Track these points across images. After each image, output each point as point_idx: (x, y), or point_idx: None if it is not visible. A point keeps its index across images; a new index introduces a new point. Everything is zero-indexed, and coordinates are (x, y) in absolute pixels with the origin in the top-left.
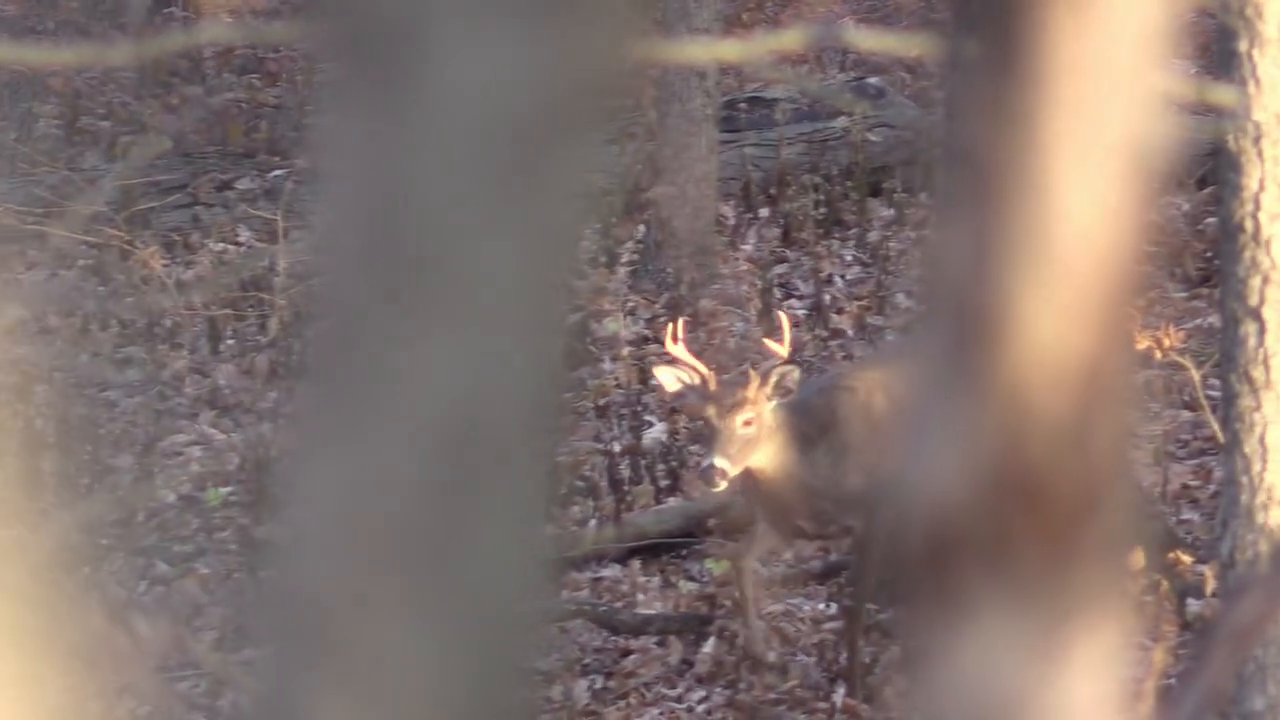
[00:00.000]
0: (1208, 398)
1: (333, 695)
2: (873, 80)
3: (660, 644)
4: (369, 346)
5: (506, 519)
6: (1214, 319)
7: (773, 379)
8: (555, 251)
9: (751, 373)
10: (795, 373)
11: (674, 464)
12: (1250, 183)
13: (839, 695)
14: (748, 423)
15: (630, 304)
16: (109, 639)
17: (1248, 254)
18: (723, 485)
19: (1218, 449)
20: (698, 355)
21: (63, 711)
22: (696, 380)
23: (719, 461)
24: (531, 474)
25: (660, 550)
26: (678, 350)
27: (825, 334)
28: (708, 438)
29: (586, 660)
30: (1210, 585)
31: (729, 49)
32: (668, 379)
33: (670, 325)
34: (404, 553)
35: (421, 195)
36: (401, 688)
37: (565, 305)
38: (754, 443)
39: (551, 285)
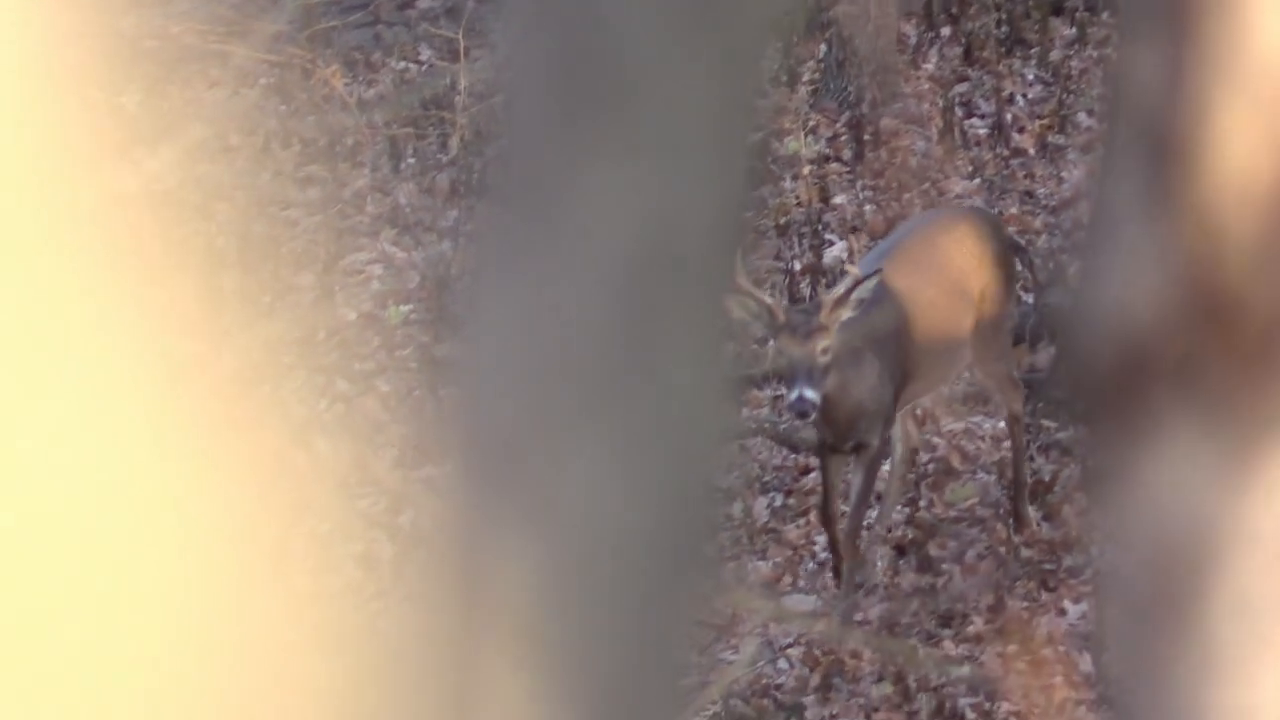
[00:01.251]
0: None
1: (514, 520)
2: None
3: None
4: (552, 169)
5: (689, 342)
6: None
7: (849, 300)
8: (740, 73)
9: (825, 297)
10: (870, 285)
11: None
12: None
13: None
14: (825, 350)
15: (811, 123)
16: (290, 457)
17: None
18: (813, 416)
19: None
20: (879, 174)
21: (244, 528)
22: (764, 312)
23: (808, 393)
24: (714, 296)
25: None
26: (744, 283)
27: (1007, 153)
28: (788, 369)
29: (766, 478)
30: None
31: None
32: (735, 309)
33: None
34: (586, 378)
35: (608, 16)
36: (584, 513)
37: (748, 126)
38: (830, 367)
39: (736, 107)
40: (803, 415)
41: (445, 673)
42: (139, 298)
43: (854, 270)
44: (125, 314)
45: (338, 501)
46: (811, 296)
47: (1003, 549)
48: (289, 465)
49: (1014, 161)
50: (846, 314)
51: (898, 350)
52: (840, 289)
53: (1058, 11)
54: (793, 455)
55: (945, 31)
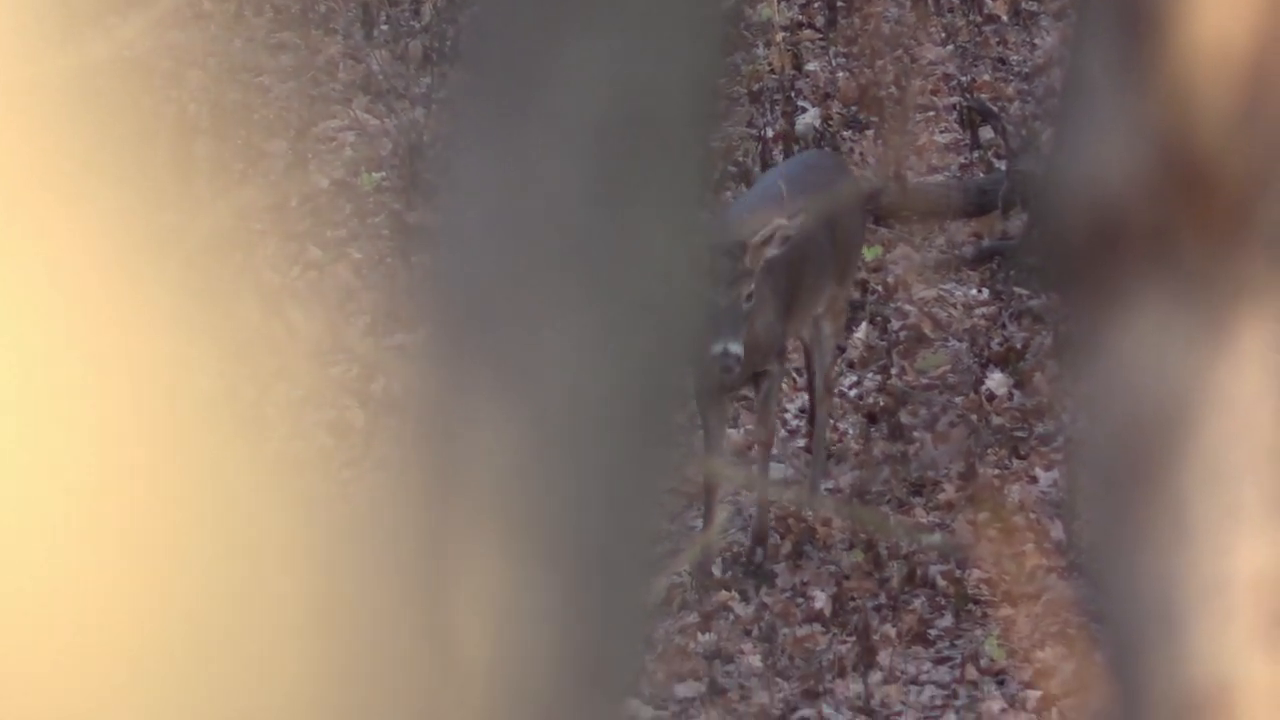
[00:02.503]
0: None
1: (488, 387)
2: None
3: None
4: (527, 37)
5: (665, 209)
6: None
7: (765, 245)
8: None
9: (749, 240)
10: (795, 224)
11: (826, 149)
12: None
13: (991, 379)
14: (748, 297)
15: None
16: (263, 325)
17: None
18: (736, 371)
19: None
20: (852, 41)
21: (216, 395)
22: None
23: (733, 348)
24: (689, 165)
25: None
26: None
27: (979, 19)
28: (712, 319)
29: None
30: None
31: None
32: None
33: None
34: (562, 246)
35: None
36: (558, 380)
37: None
38: (749, 313)
39: None
40: (728, 371)
41: (417, 539)
42: (110, 167)
43: (780, 221)
44: (97, 184)
45: (310, 369)
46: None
47: (974, 416)
48: (262, 333)
49: (987, 28)
50: (768, 254)
51: (788, 284)
52: (764, 233)
53: None
54: None
55: None
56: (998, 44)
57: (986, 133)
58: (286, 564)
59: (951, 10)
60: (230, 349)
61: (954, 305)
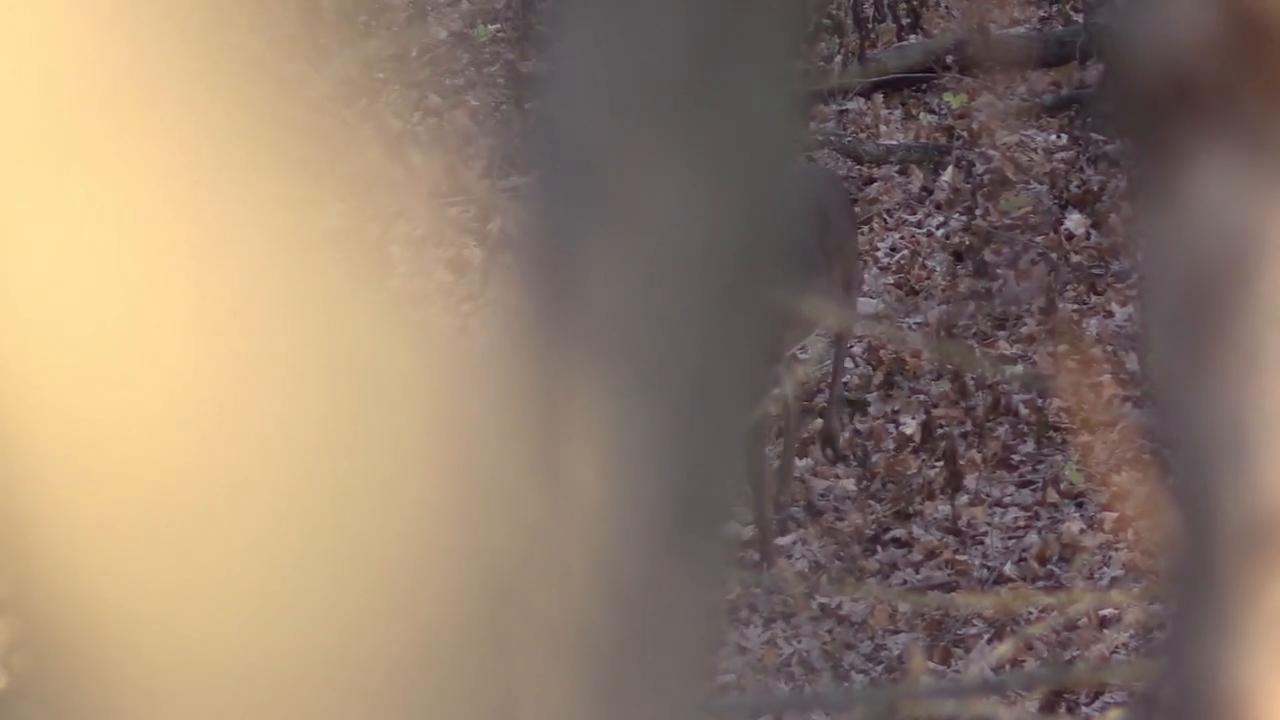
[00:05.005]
0: None
1: (597, 226)
2: None
3: (902, 173)
4: None
5: (763, 61)
6: None
7: None
8: None
9: None
10: None
11: (915, 4)
12: None
13: (1069, 220)
14: None
15: None
16: (386, 168)
17: None
18: None
19: None
20: None
21: (341, 233)
22: None
23: None
24: (785, 20)
25: (902, 85)
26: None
27: None
28: None
29: None
30: None
31: None
32: None
33: None
34: (667, 95)
35: None
36: (665, 220)
37: None
38: None
39: None
40: None
41: (531, 372)
42: (240, 17)
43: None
44: (228, 32)
45: (430, 209)
46: (874, 20)
47: (1053, 254)
48: (385, 175)
49: None
50: None
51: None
52: None
53: None
54: (858, 166)
55: None
56: None
57: None
58: (406, 397)
59: None
60: (356, 189)
61: (1035, 150)
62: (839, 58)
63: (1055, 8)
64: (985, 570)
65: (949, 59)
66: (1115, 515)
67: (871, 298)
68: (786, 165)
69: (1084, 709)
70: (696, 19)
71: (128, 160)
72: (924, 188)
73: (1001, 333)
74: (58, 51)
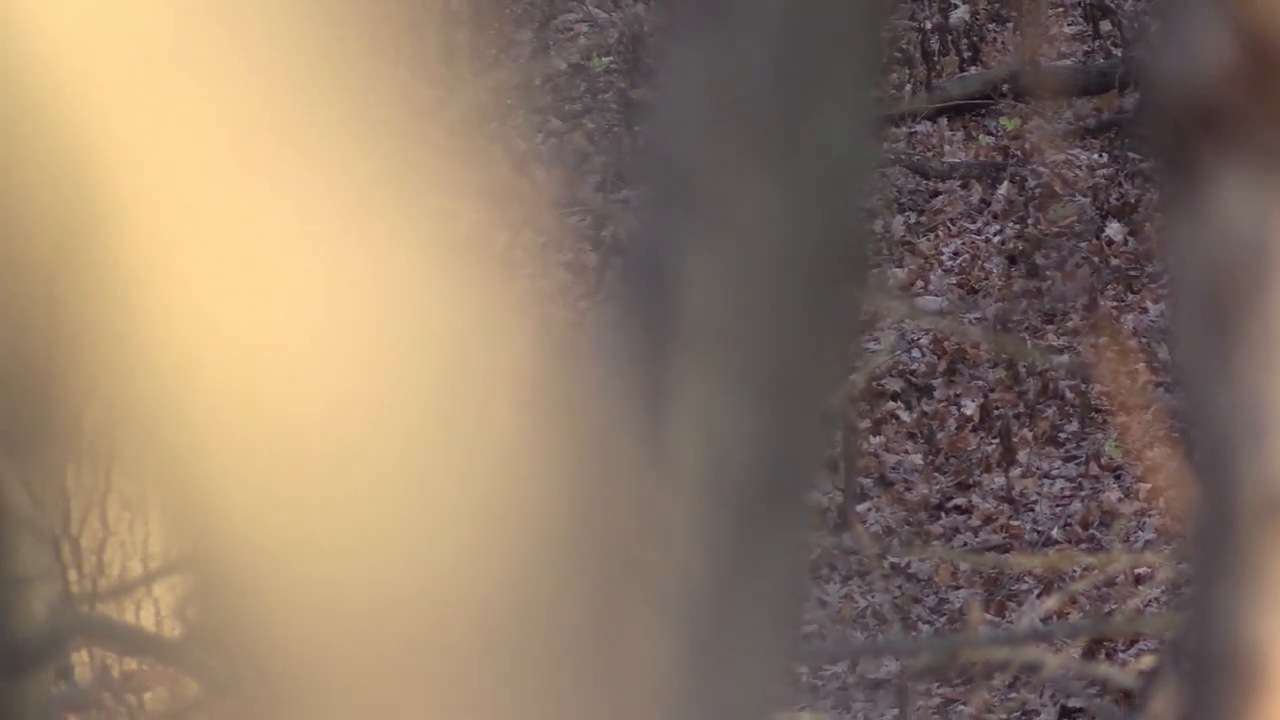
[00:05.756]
0: None
1: (697, 235)
2: None
3: (963, 187)
4: None
5: (841, 94)
6: None
7: None
8: None
9: None
10: None
11: (975, 39)
12: None
13: (1110, 228)
14: None
15: None
16: (513, 182)
17: None
18: None
19: None
20: None
21: (473, 239)
22: None
23: None
24: (862, 54)
25: (963, 110)
26: None
27: None
28: None
29: (902, 200)
30: None
31: None
32: None
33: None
34: (756, 121)
35: None
36: (756, 230)
37: None
38: None
39: None
40: None
41: (639, 360)
42: (389, 49)
43: None
44: (379, 61)
45: (552, 218)
46: (939, 53)
47: (1095, 258)
48: (513, 189)
49: None
50: None
51: None
52: None
53: None
54: (924, 181)
55: None
56: None
57: (1105, 25)
58: (528, 379)
59: None
60: (486, 200)
61: (1079, 167)
62: (909, 86)
63: (1097, 43)
64: (1035, 534)
65: (1005, 87)
66: (1148, 486)
67: (936, 296)
68: (861, 180)
69: (1121, 655)
70: (783, 54)
71: (303, 178)
72: (982, 200)
73: (1050, 326)
74: (253, 85)
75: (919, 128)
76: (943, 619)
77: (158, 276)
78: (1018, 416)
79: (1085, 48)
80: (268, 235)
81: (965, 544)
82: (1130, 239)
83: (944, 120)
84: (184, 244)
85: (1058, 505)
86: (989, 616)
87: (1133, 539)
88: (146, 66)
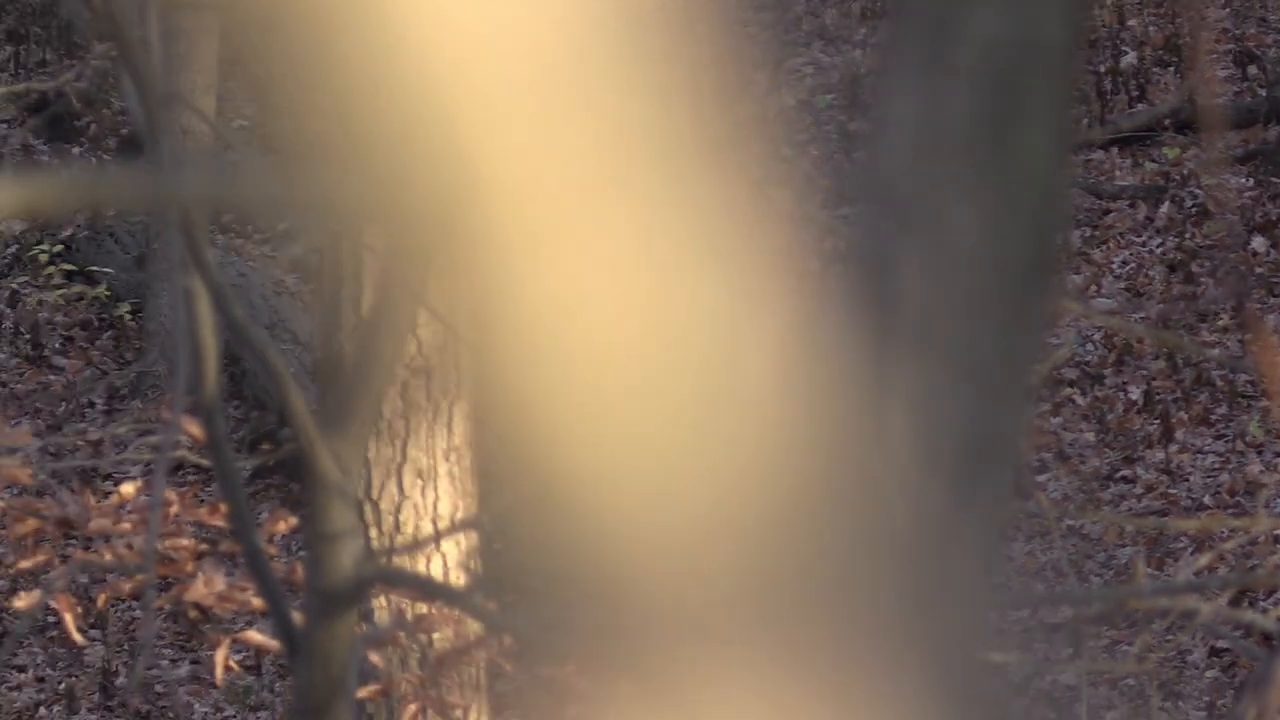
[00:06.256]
0: None
1: (911, 248)
2: None
3: (1130, 206)
4: (939, 8)
5: (1041, 130)
6: None
7: None
8: None
9: None
10: None
11: (1142, 81)
12: None
13: (1255, 241)
14: None
15: None
16: (751, 200)
17: None
18: None
19: None
20: (1159, 4)
21: (723, 256)
22: None
23: None
24: (1058, 96)
25: (1131, 141)
26: None
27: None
28: None
29: (1079, 217)
30: None
31: None
32: None
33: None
34: (963, 150)
35: None
36: (964, 246)
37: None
38: None
39: None
40: None
41: (860, 349)
42: (675, 78)
43: None
44: (672, 92)
45: (783, 231)
46: (1111, 93)
47: (1243, 267)
48: (751, 208)
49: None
50: None
51: None
52: None
53: None
54: (1098, 201)
55: None
56: (1260, 6)
57: (1252, 70)
58: (774, 360)
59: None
60: (733, 217)
61: (1229, 190)
62: (1085, 120)
63: (1245, 85)
64: (1189, 501)
65: (1167, 122)
66: None
67: (1107, 298)
68: (1057, 199)
69: (1262, 604)
70: (986, 95)
71: (645, 192)
72: (1147, 217)
73: (1203, 324)
74: (614, 107)
75: (1094, 156)
76: (1111, 573)
77: (528, 264)
78: (1175, 401)
79: (1235, 89)
80: (620, 242)
81: (1130, 509)
82: (1273, 250)
83: (1115, 149)
84: (549, 237)
85: (1208, 476)
86: (1150, 571)
87: (1271, 505)
88: (525, 79)
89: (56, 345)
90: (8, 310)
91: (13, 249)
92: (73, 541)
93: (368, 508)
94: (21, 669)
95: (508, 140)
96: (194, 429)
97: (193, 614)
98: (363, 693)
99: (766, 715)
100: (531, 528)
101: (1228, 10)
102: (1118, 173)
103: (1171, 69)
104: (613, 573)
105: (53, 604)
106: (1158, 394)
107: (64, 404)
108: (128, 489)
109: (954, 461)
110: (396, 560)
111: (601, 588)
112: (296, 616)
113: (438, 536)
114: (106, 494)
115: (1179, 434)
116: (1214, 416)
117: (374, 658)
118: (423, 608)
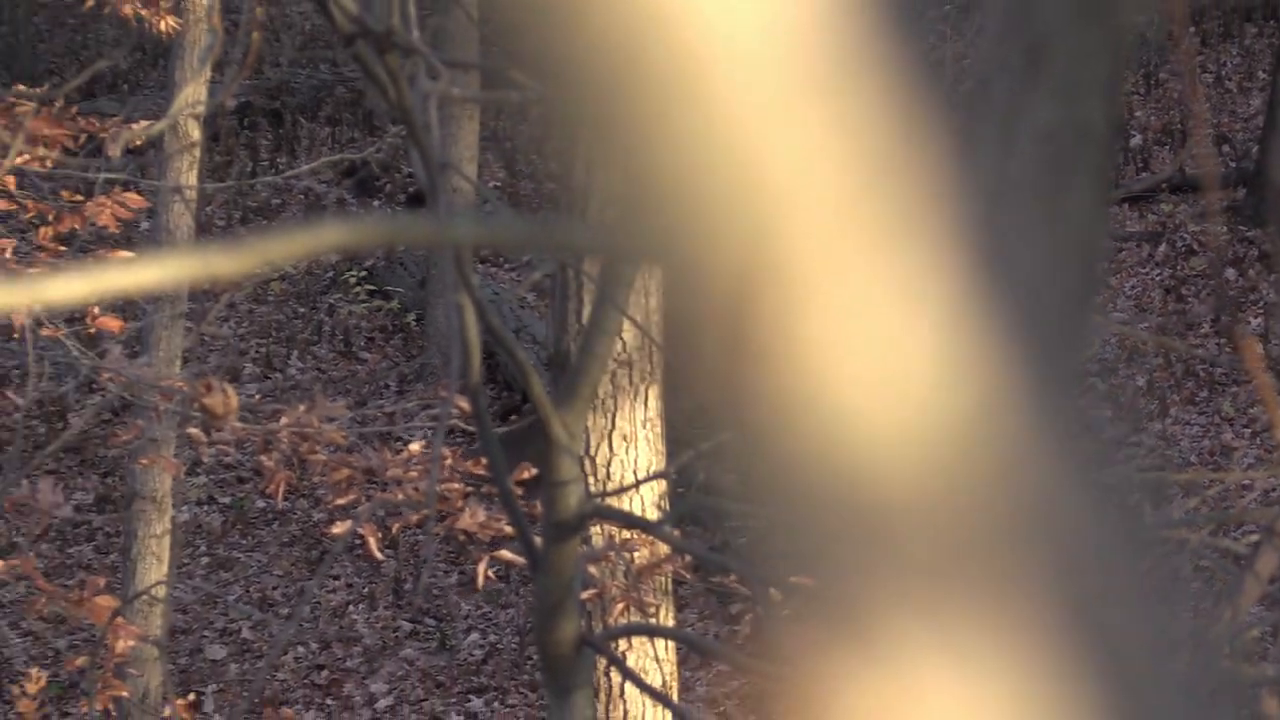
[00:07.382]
0: None
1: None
2: None
3: (1137, 246)
4: (1003, 97)
5: (1088, 188)
6: None
7: None
8: None
9: None
10: None
11: (1145, 155)
12: None
13: (1227, 272)
14: None
15: None
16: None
17: None
18: None
19: None
20: (1159, 94)
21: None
22: None
23: None
24: (1096, 171)
25: (1138, 199)
26: None
27: None
28: None
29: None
30: None
31: None
32: None
33: None
34: (1030, 206)
35: None
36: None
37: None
38: None
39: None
40: None
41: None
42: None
43: None
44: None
45: None
46: (1121, 164)
47: (1221, 291)
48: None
49: None
50: None
51: None
52: None
53: None
54: (1113, 242)
55: None
56: (1231, 102)
57: (1225, 148)
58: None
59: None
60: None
61: (1209, 234)
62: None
63: (1221, 159)
64: (1180, 460)
65: (1163, 185)
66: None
67: (1120, 312)
68: (1097, 241)
69: (1233, 535)
70: (1036, 170)
71: (900, 232)
72: (1149, 254)
73: (1190, 332)
74: (873, 158)
75: (1110, 210)
76: None
77: (816, 290)
78: (1170, 387)
79: (1213, 161)
80: (880, 288)
81: (1137, 466)
82: (1241, 278)
83: (1125, 205)
84: (839, 263)
85: (1194, 442)
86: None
87: (1240, 463)
88: (802, 89)
89: (361, 344)
90: (326, 318)
91: (330, 274)
92: (374, 485)
93: (587, 463)
94: (336, 578)
95: (810, 194)
96: (463, 404)
97: (461, 538)
98: (584, 595)
99: (964, 672)
100: (734, 467)
101: (1208, 105)
102: (1127, 222)
103: (1166, 147)
104: (858, 497)
105: (360, 531)
106: (1157, 382)
107: (367, 386)
108: (414, 447)
109: (1045, 429)
110: (608, 500)
111: (842, 507)
112: (537, 540)
113: (637, 483)
114: (398, 451)
115: (1172, 411)
116: (1198, 399)
117: (592, 570)
118: (627, 534)
